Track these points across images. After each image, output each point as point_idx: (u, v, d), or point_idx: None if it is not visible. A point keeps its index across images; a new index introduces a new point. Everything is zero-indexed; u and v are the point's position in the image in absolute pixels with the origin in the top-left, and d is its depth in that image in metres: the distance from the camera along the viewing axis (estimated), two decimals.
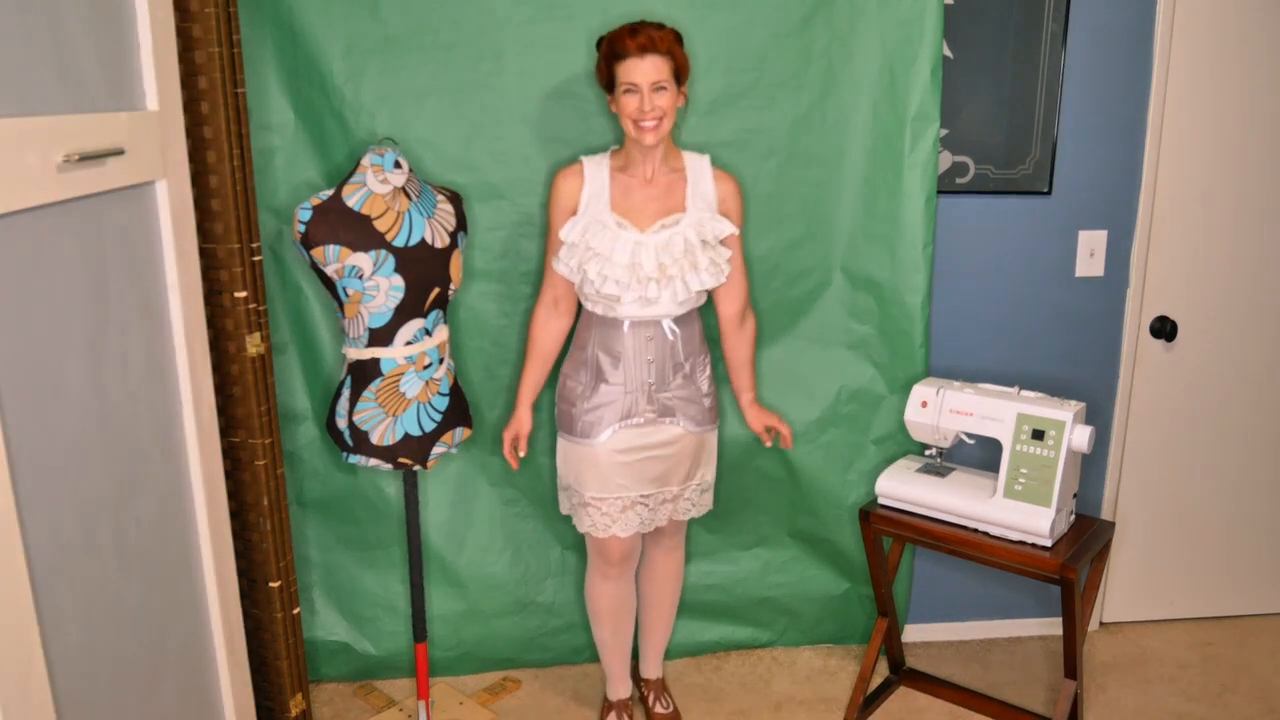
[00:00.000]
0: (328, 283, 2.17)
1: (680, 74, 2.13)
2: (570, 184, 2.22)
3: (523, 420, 2.37)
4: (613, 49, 2.10)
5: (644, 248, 2.16)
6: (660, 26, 2.11)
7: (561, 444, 2.36)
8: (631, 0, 2.35)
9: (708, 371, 2.35)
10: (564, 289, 2.29)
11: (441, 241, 2.20)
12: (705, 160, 2.27)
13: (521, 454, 2.39)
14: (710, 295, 2.36)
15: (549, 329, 2.33)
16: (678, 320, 2.25)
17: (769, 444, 2.49)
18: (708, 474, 2.41)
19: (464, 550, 2.67)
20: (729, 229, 2.25)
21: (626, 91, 2.09)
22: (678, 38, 2.13)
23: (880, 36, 2.45)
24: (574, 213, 2.22)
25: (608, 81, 2.15)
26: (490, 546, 2.68)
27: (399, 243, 2.13)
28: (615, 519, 2.31)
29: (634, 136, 2.13)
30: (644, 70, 2.07)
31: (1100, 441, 2.83)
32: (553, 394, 2.46)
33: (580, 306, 2.32)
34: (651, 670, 2.64)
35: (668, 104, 2.10)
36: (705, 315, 2.42)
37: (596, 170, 2.23)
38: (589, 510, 2.31)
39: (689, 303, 2.24)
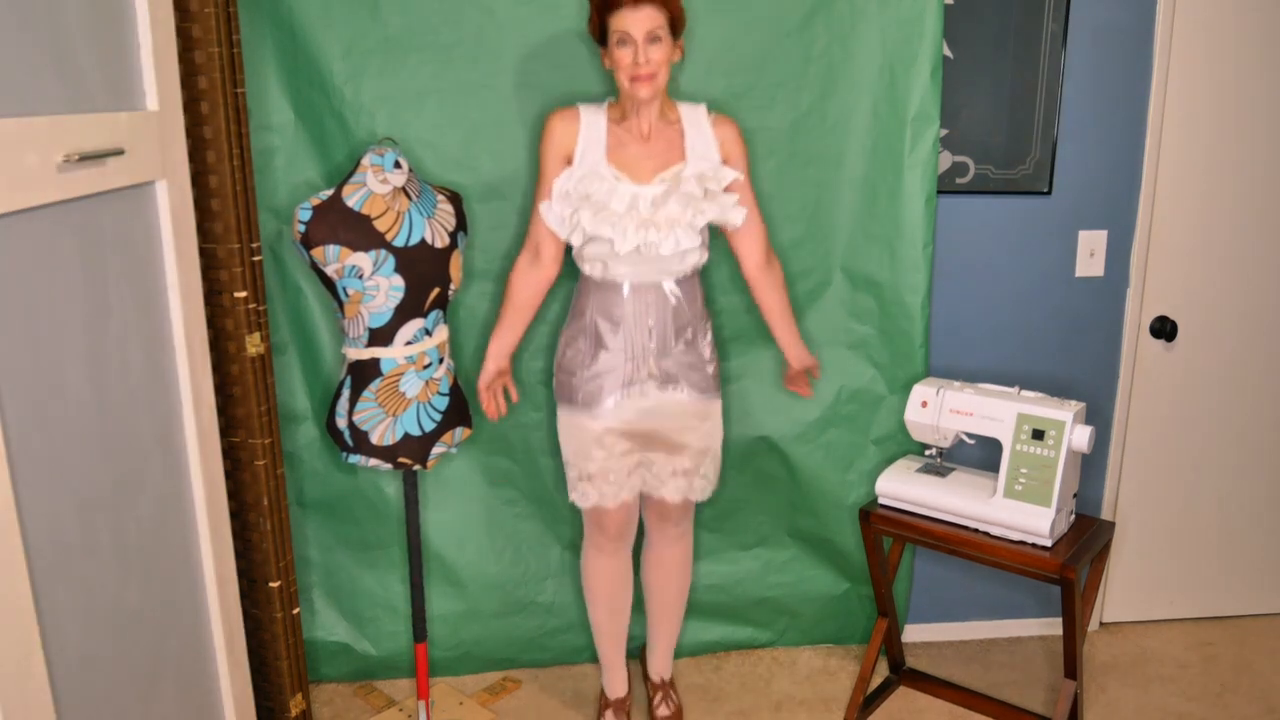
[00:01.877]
0: (328, 283, 2.17)
1: (676, 25, 2.07)
2: (567, 128, 2.15)
3: (493, 371, 2.28)
4: None
5: (642, 199, 2.10)
6: None
7: (562, 417, 2.30)
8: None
9: (709, 337, 2.29)
10: (547, 238, 2.20)
11: (441, 241, 2.20)
12: (701, 109, 2.21)
13: (514, 399, 2.33)
14: (731, 249, 2.31)
15: (528, 278, 2.24)
16: (679, 283, 2.20)
17: (808, 392, 2.48)
18: (714, 444, 2.35)
19: (464, 550, 2.67)
20: (732, 174, 2.18)
21: (620, 43, 2.04)
22: None
23: (880, 36, 2.45)
24: (568, 161, 2.15)
25: (600, 33, 2.09)
26: (490, 547, 2.68)
27: (399, 243, 2.13)
28: (621, 485, 2.28)
29: (628, 91, 2.07)
30: (638, 20, 2.01)
31: (1100, 441, 2.83)
32: (547, 389, 2.44)
33: (568, 266, 2.25)
34: (660, 670, 2.62)
35: (663, 57, 2.04)
36: (706, 281, 2.39)
37: (594, 119, 2.16)
38: (593, 482, 2.28)
39: (693, 255, 2.18)
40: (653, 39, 2.03)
